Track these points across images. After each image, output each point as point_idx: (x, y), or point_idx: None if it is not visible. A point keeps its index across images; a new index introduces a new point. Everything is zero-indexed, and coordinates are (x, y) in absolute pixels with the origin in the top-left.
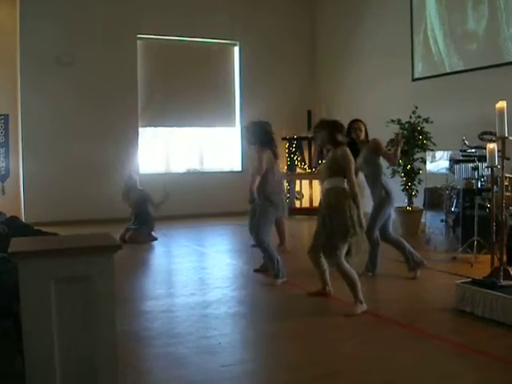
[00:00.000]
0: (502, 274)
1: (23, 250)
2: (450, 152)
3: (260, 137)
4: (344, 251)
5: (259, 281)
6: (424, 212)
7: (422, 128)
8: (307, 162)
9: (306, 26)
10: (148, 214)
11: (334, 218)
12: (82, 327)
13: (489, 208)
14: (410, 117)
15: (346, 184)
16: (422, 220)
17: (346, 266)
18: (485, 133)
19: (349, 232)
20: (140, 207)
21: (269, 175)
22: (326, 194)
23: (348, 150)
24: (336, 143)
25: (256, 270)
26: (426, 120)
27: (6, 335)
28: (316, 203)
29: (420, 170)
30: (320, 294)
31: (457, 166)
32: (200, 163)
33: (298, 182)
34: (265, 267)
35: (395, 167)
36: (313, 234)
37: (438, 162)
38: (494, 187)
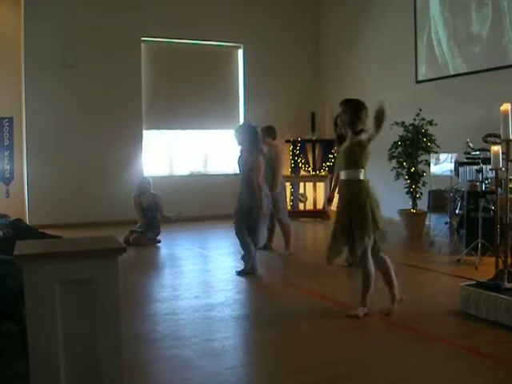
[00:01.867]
0: (506, 276)
1: (28, 252)
2: (455, 155)
3: (251, 138)
4: (370, 247)
5: (263, 284)
6: (428, 214)
7: (426, 130)
8: (311, 164)
9: (309, 28)
10: (156, 218)
11: (356, 215)
12: (87, 330)
13: (493, 210)
14: (414, 119)
15: (362, 175)
16: (427, 222)
17: (371, 265)
18: (489, 135)
19: (370, 227)
20: (150, 212)
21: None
22: (344, 188)
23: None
24: (356, 130)
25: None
26: (430, 122)
27: (11, 338)
28: (320, 205)
29: (424, 172)
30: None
31: (461, 169)
32: (204, 166)
33: (301, 184)
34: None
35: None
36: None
37: (442, 165)
38: (499, 190)
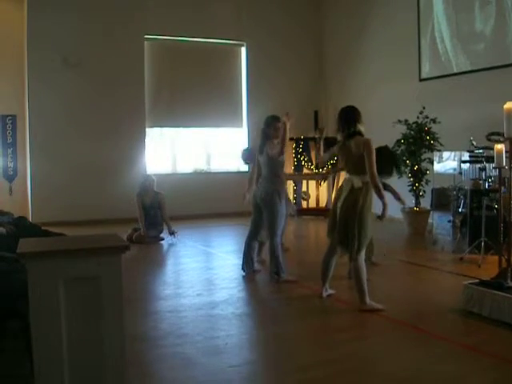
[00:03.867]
0: (509, 274)
1: (32, 250)
2: (458, 153)
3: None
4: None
5: (266, 282)
6: (431, 212)
7: (429, 128)
8: (314, 162)
9: (313, 26)
10: (158, 217)
11: (361, 214)
12: (91, 327)
13: (496, 209)
14: (418, 117)
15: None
16: (430, 220)
17: (363, 261)
18: (492, 133)
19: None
20: (152, 210)
21: None
22: (358, 193)
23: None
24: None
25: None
26: (434, 120)
27: (15, 336)
28: (322, 203)
29: (427, 170)
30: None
31: (464, 167)
32: (207, 163)
33: (304, 182)
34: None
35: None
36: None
37: (445, 163)
38: (502, 188)
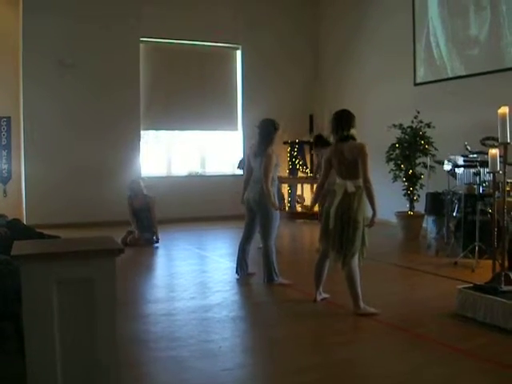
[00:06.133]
0: (503, 279)
1: (26, 252)
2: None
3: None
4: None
5: (260, 285)
6: (425, 217)
7: (423, 133)
8: (309, 166)
9: (309, 30)
10: (149, 220)
11: (355, 219)
12: (84, 330)
13: (490, 213)
14: (412, 121)
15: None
16: (424, 225)
17: (356, 265)
18: (487, 138)
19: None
20: (143, 213)
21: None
22: (352, 198)
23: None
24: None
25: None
26: (428, 125)
27: (8, 338)
28: (317, 207)
29: (422, 174)
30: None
31: (458, 171)
32: (202, 167)
33: (299, 186)
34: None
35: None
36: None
37: (439, 167)
38: (496, 192)
